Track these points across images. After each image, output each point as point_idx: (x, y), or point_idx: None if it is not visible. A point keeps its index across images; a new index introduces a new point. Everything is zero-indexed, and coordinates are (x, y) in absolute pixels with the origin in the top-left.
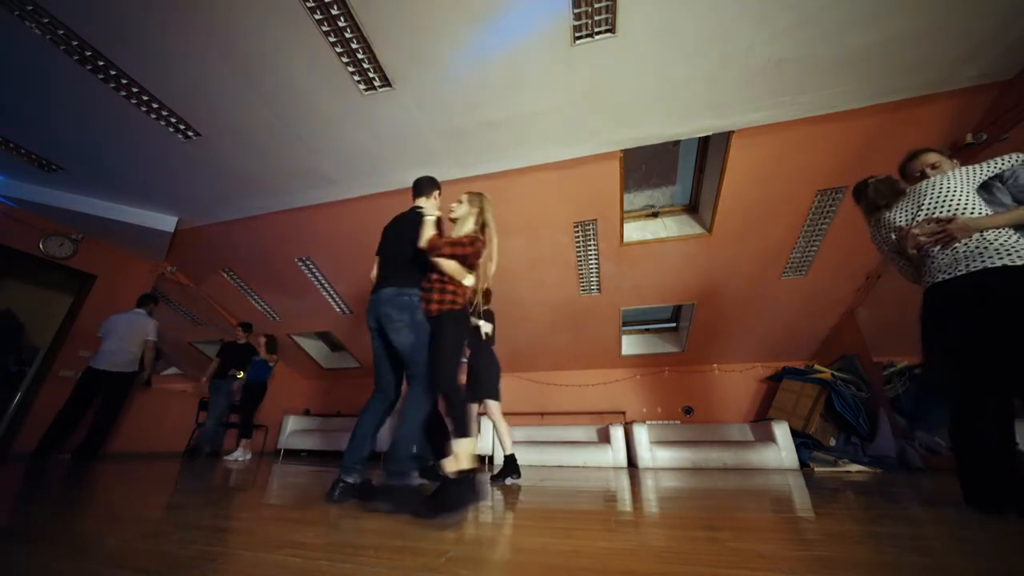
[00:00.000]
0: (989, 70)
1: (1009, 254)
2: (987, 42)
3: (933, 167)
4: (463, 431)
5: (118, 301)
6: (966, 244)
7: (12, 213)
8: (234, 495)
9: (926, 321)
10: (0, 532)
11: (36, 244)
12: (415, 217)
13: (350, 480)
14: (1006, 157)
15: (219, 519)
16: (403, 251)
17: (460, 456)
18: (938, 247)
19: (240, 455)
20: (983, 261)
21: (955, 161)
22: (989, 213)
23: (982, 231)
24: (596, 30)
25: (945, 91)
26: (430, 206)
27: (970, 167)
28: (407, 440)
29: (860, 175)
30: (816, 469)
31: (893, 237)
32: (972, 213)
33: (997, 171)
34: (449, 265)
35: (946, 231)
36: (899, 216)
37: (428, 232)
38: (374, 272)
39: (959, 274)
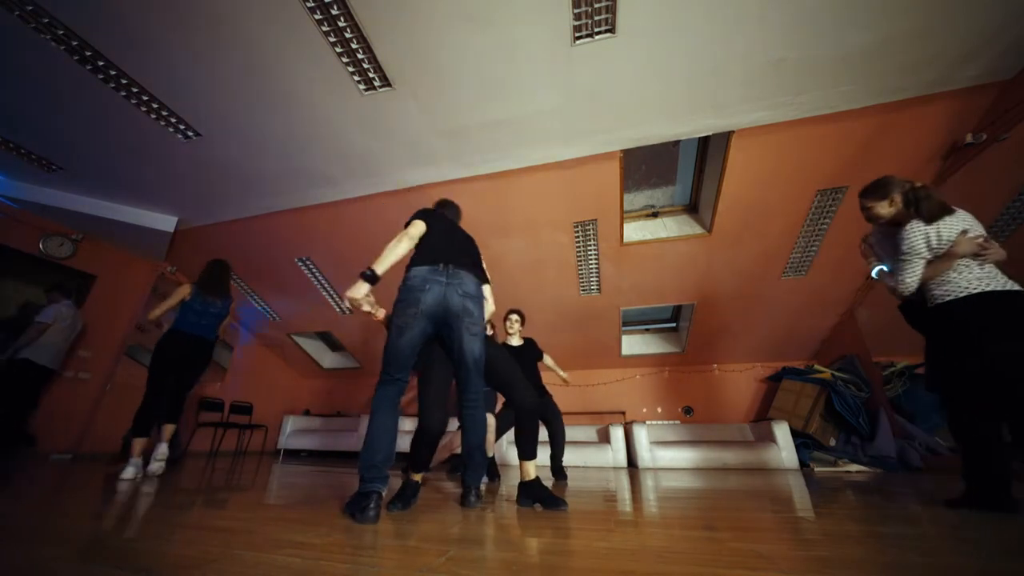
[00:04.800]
0: (989, 70)
1: (1007, 283)
2: (987, 42)
3: None
4: (534, 452)
5: (118, 301)
6: (994, 267)
7: (12, 213)
8: (234, 495)
9: (968, 320)
10: (0, 532)
11: (36, 244)
12: (475, 244)
13: (383, 491)
14: None
15: (219, 519)
16: (473, 255)
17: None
18: (977, 263)
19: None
20: (1012, 284)
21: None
22: None
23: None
24: (596, 30)
25: (945, 91)
26: None
27: None
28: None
29: (860, 175)
30: (816, 469)
31: (953, 237)
32: None
33: None
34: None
35: (988, 251)
36: (964, 224)
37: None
38: (419, 231)
39: (989, 289)
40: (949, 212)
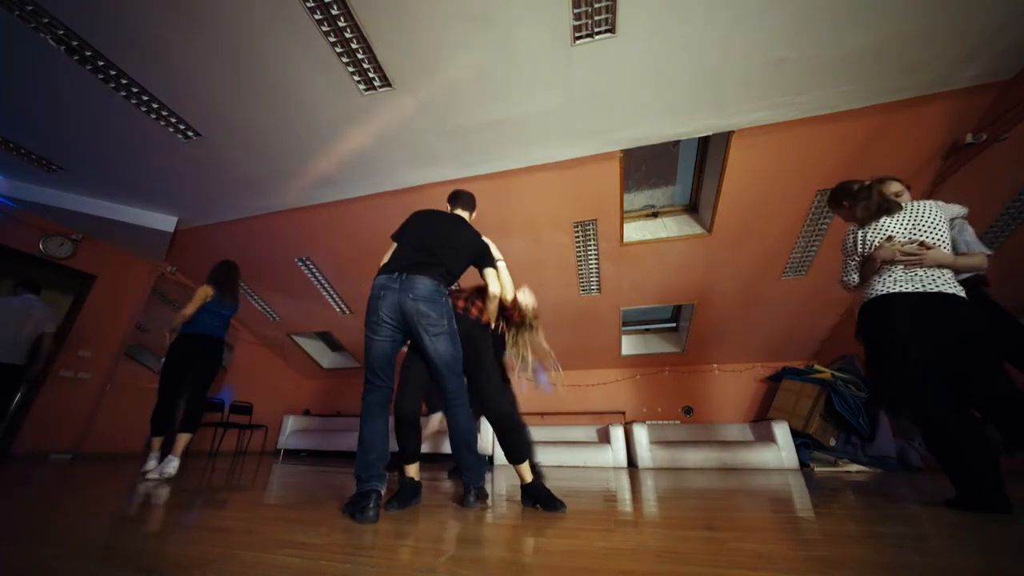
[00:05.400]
0: (989, 70)
1: (953, 286)
2: (987, 42)
3: (897, 195)
4: (529, 452)
5: (118, 301)
6: (925, 270)
7: (12, 213)
8: (234, 495)
9: (875, 323)
10: (0, 532)
11: (36, 244)
12: (474, 233)
13: (381, 489)
14: (957, 207)
15: (219, 519)
16: (452, 247)
17: (525, 472)
18: (902, 266)
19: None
20: (937, 286)
21: (907, 191)
22: (948, 250)
23: (939, 264)
24: (596, 30)
25: (945, 91)
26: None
27: (941, 203)
28: (476, 447)
29: (860, 175)
30: (816, 469)
31: (878, 243)
32: (943, 245)
33: (953, 215)
34: (492, 308)
35: (921, 257)
36: (896, 227)
37: (511, 288)
38: (388, 257)
39: (916, 290)
40: (888, 213)
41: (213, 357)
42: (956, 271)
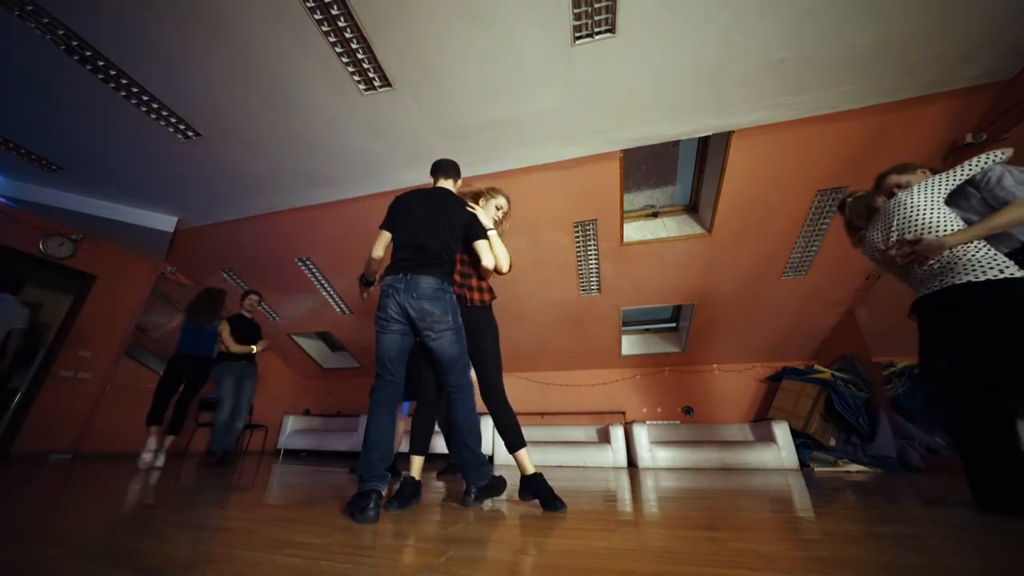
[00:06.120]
0: (989, 70)
1: (973, 269)
2: (987, 42)
3: (898, 187)
4: (522, 441)
5: (118, 301)
6: (939, 260)
7: (12, 213)
8: (234, 495)
9: (920, 330)
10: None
11: (36, 244)
12: (460, 207)
13: (382, 489)
14: (975, 160)
15: (219, 519)
16: (444, 237)
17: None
18: (916, 265)
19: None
20: (952, 278)
21: (922, 171)
22: (959, 224)
23: (951, 248)
24: (596, 30)
25: (945, 91)
26: (455, 190)
27: (937, 177)
28: (478, 447)
29: (860, 175)
30: (816, 469)
31: (877, 255)
32: (939, 228)
33: (967, 176)
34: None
35: (915, 252)
36: (876, 236)
37: (506, 257)
38: (380, 251)
39: (934, 289)
40: (864, 228)
41: (197, 373)
42: (988, 238)
